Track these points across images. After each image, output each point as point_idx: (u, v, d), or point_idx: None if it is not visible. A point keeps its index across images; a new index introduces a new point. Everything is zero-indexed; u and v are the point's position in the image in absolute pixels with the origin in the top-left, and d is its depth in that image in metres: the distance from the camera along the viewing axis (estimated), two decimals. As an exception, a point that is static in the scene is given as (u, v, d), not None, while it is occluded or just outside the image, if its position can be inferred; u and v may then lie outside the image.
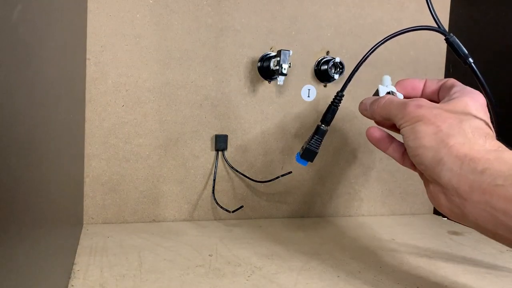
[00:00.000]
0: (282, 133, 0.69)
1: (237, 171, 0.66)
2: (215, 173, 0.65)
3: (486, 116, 0.42)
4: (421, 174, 0.44)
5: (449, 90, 0.45)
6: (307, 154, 0.51)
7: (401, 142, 0.47)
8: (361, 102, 0.50)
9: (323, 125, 0.51)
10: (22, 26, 0.22)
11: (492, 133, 0.41)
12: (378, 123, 0.50)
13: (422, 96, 0.49)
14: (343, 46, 0.70)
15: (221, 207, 0.65)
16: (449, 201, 0.39)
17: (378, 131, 0.48)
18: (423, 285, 0.47)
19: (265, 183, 0.68)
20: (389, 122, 0.48)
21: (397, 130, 0.46)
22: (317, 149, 0.51)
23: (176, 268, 0.47)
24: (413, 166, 0.45)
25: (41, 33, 0.27)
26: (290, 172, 0.68)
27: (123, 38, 0.61)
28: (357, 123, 0.72)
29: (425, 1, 0.50)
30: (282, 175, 0.67)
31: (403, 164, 0.47)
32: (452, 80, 0.47)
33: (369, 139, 0.49)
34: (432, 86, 0.48)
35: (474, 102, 0.42)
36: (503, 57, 0.66)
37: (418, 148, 0.41)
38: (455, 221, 0.40)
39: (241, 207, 0.65)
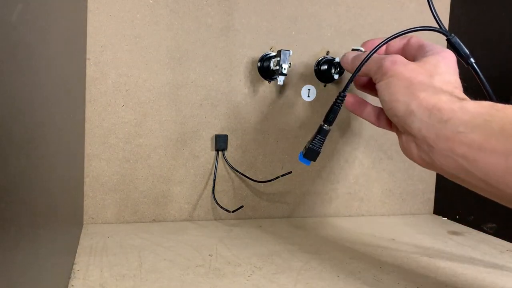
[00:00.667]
0: (282, 133, 0.69)
1: (237, 171, 0.66)
2: (215, 173, 0.65)
3: (455, 72, 0.45)
4: (396, 129, 0.46)
5: (420, 49, 0.48)
6: (310, 154, 0.52)
7: (375, 106, 0.50)
8: (344, 56, 0.54)
9: (325, 125, 0.51)
10: (22, 26, 0.22)
11: (460, 87, 0.44)
12: (357, 80, 0.54)
13: (385, 53, 0.53)
14: (343, 46, 0.70)
15: (221, 207, 0.65)
16: (419, 150, 0.42)
17: (352, 97, 0.52)
18: (423, 285, 0.47)
19: (265, 183, 0.68)
20: (366, 78, 0.52)
21: (372, 91, 0.49)
22: (320, 148, 0.51)
23: (176, 268, 0.47)
24: (389, 126, 0.48)
25: (41, 33, 0.27)
26: (290, 172, 0.68)
27: (123, 38, 0.61)
28: (357, 123, 0.72)
29: (426, 2, 0.50)
30: (282, 175, 0.67)
31: (378, 125, 0.50)
32: (416, 38, 0.50)
33: (345, 105, 0.52)
34: (396, 45, 0.52)
35: (445, 60, 0.45)
36: (503, 57, 0.66)
37: (392, 101, 0.44)
38: (425, 168, 0.43)
39: (241, 207, 0.65)
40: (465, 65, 0.47)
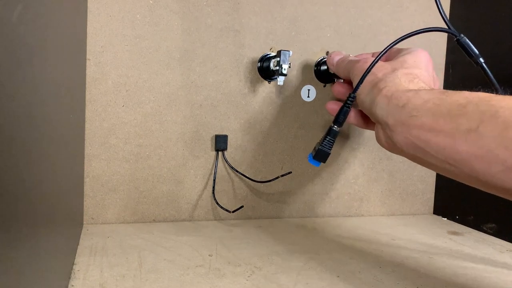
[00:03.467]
0: (282, 133, 0.69)
1: (237, 171, 0.66)
2: (215, 173, 0.65)
3: (425, 67, 0.49)
4: (373, 124, 0.50)
5: (397, 52, 0.53)
6: (320, 155, 0.52)
7: (359, 109, 0.54)
8: (330, 56, 0.60)
9: (335, 126, 0.52)
10: (22, 26, 0.22)
11: (420, 79, 0.47)
12: (334, 89, 0.60)
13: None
14: (342, 46, 0.70)
15: (221, 207, 0.65)
16: (384, 135, 0.46)
17: (336, 104, 0.56)
18: (423, 285, 0.47)
19: (265, 183, 0.68)
20: (343, 87, 0.58)
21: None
22: (330, 150, 0.52)
23: (176, 268, 0.47)
24: (372, 125, 0.52)
25: (41, 34, 0.27)
26: (290, 172, 0.68)
27: (123, 38, 0.61)
28: (357, 123, 0.72)
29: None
30: (282, 175, 0.67)
31: (366, 127, 0.54)
32: (396, 48, 0.54)
33: (330, 113, 0.56)
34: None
35: (414, 56, 0.50)
36: (503, 57, 0.66)
37: (361, 95, 0.50)
38: (390, 151, 0.47)
39: (241, 207, 0.65)
40: (475, 65, 0.48)
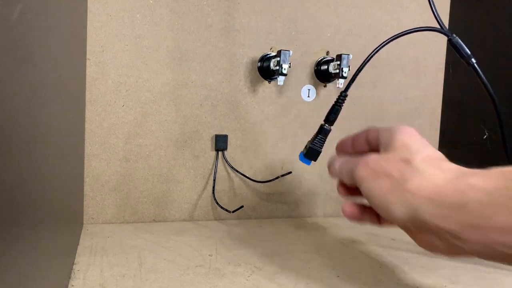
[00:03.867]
0: (282, 133, 0.69)
1: (237, 171, 0.66)
2: (215, 173, 0.65)
3: (426, 142, 0.42)
4: (405, 228, 0.41)
5: (378, 139, 0.45)
6: (311, 154, 0.51)
7: (368, 206, 0.45)
8: (331, 165, 0.49)
9: (326, 125, 0.51)
10: (22, 26, 0.22)
11: (441, 155, 0.41)
12: (340, 189, 0.49)
13: (354, 151, 0.49)
14: (343, 46, 0.70)
15: (221, 207, 0.65)
16: (445, 242, 0.37)
17: (350, 206, 0.47)
18: (422, 285, 0.47)
19: (265, 183, 0.68)
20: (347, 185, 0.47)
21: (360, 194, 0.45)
22: (321, 148, 0.51)
23: (176, 268, 0.47)
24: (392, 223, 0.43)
25: (41, 33, 0.27)
26: (290, 172, 0.68)
27: (123, 38, 0.61)
28: (356, 123, 0.72)
29: (426, 2, 0.50)
30: (282, 175, 0.67)
31: (383, 225, 0.46)
32: (372, 130, 0.47)
33: (346, 216, 0.47)
34: (359, 140, 0.48)
35: (409, 136, 0.42)
36: (503, 57, 0.66)
37: (385, 206, 0.40)
38: (460, 257, 0.39)
39: (241, 207, 0.65)
40: (466, 66, 0.48)
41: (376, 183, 0.41)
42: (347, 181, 0.47)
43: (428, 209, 0.37)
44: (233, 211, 0.65)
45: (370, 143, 0.48)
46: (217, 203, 0.65)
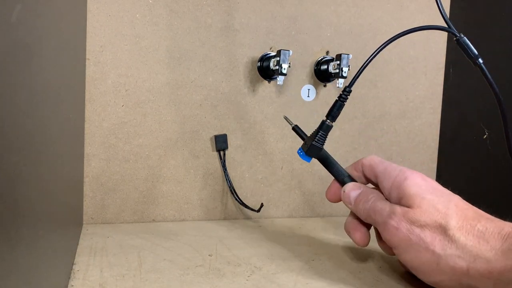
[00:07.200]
0: (282, 133, 0.69)
1: (228, 178, 0.66)
2: (226, 174, 0.65)
3: (440, 188, 0.41)
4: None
5: (382, 183, 0.45)
6: (312, 150, 0.50)
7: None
8: (344, 192, 0.48)
9: (328, 121, 0.51)
10: (22, 26, 0.22)
11: (477, 211, 0.40)
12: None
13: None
14: (343, 46, 0.70)
15: (247, 206, 0.65)
16: None
17: (362, 237, 0.48)
18: (423, 285, 0.47)
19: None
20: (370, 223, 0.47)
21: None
22: (323, 145, 0.50)
23: (176, 268, 0.47)
24: None
25: (41, 33, 0.27)
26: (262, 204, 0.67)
27: (122, 38, 0.61)
28: (356, 123, 0.72)
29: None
30: (259, 209, 0.66)
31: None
32: (368, 160, 0.47)
33: (357, 244, 0.49)
34: (356, 171, 0.49)
35: (424, 188, 0.41)
36: (503, 56, 0.66)
37: (431, 279, 0.40)
38: None
39: (262, 205, 0.66)
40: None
41: (415, 256, 0.40)
42: (363, 219, 0.46)
43: (484, 286, 0.36)
44: (258, 210, 0.65)
45: (367, 179, 0.48)
46: (242, 202, 0.65)
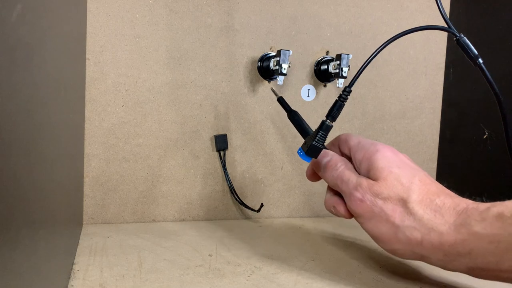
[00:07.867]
0: (282, 133, 0.69)
1: (228, 178, 0.66)
2: (226, 174, 0.65)
3: (407, 163, 0.43)
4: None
5: (354, 156, 0.46)
6: (313, 151, 0.50)
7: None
8: (315, 159, 0.50)
9: (328, 121, 0.51)
10: (22, 26, 0.22)
11: (431, 183, 0.41)
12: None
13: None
14: (342, 46, 0.70)
15: (247, 206, 0.65)
16: (469, 271, 0.40)
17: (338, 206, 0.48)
18: (423, 285, 0.47)
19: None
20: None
21: None
22: (323, 145, 0.50)
23: (176, 268, 0.47)
24: None
25: (41, 33, 0.27)
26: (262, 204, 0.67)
27: (122, 38, 0.61)
28: (356, 123, 0.72)
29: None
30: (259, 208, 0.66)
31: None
32: (345, 136, 0.48)
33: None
34: (333, 148, 0.51)
35: (391, 161, 0.43)
36: (503, 57, 0.66)
37: (388, 247, 0.43)
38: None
39: (262, 205, 0.66)
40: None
41: (376, 226, 0.43)
42: (330, 186, 0.48)
43: (435, 256, 0.39)
44: (258, 210, 0.65)
45: (342, 153, 0.49)
46: (242, 203, 0.65)
